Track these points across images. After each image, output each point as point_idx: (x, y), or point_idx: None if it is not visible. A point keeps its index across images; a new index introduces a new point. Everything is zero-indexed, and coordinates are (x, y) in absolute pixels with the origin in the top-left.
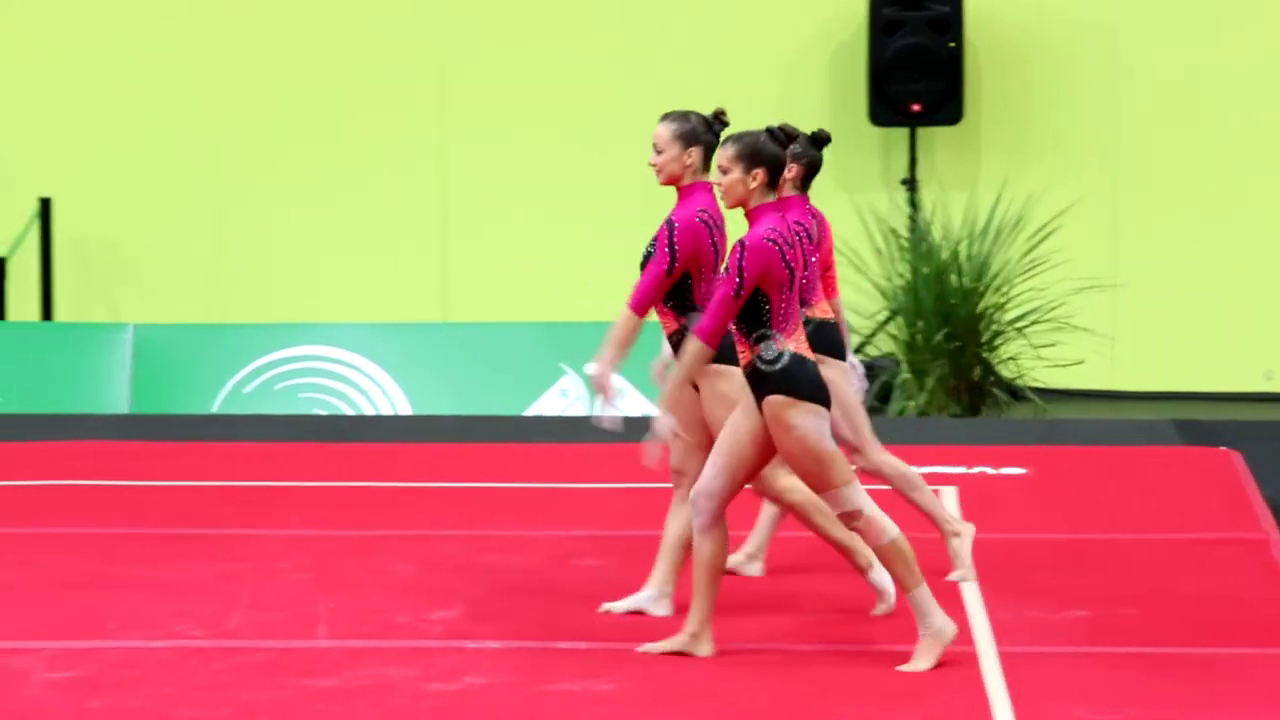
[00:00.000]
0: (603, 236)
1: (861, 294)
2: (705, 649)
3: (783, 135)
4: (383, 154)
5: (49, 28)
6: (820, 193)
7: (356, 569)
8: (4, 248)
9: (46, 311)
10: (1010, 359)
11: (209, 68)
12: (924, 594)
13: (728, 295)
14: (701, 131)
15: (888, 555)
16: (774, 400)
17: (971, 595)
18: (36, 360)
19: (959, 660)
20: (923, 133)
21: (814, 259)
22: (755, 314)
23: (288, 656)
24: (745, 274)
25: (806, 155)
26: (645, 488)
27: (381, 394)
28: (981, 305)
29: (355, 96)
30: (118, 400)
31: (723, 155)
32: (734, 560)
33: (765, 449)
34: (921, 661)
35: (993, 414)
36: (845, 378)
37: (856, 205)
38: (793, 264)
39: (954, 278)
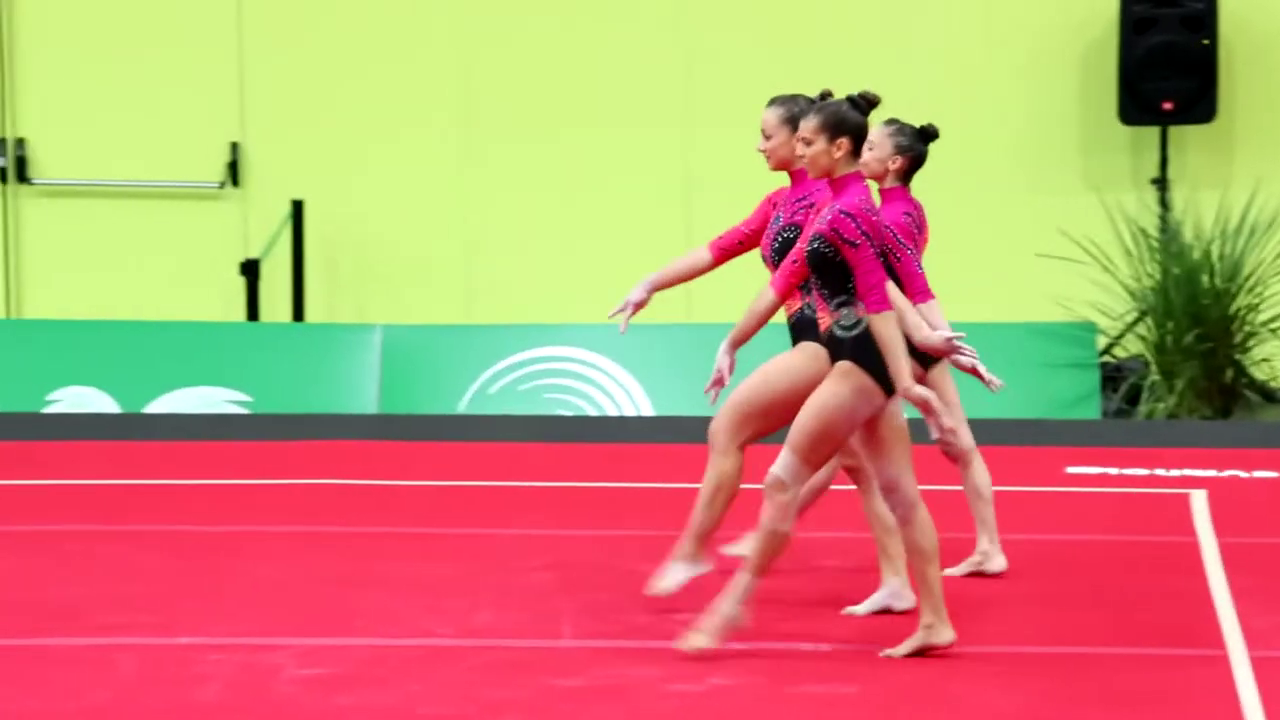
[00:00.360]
0: None
1: (1110, 295)
2: (945, 635)
3: (864, 103)
4: (628, 155)
5: (299, 35)
6: (1068, 192)
7: (600, 568)
8: (257, 250)
9: (298, 313)
10: (1264, 361)
11: (458, 71)
12: (747, 583)
13: (871, 259)
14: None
15: (766, 540)
16: (842, 364)
17: (1223, 599)
18: (288, 361)
19: (1209, 664)
20: (1174, 131)
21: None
22: (840, 281)
23: (532, 655)
24: (871, 236)
25: (914, 148)
26: None
27: (625, 394)
28: (1234, 306)
29: (600, 99)
30: (366, 400)
31: (805, 127)
32: (971, 561)
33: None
34: (700, 638)
35: (1245, 417)
36: None
37: (1105, 205)
38: (883, 236)
39: (1205, 278)
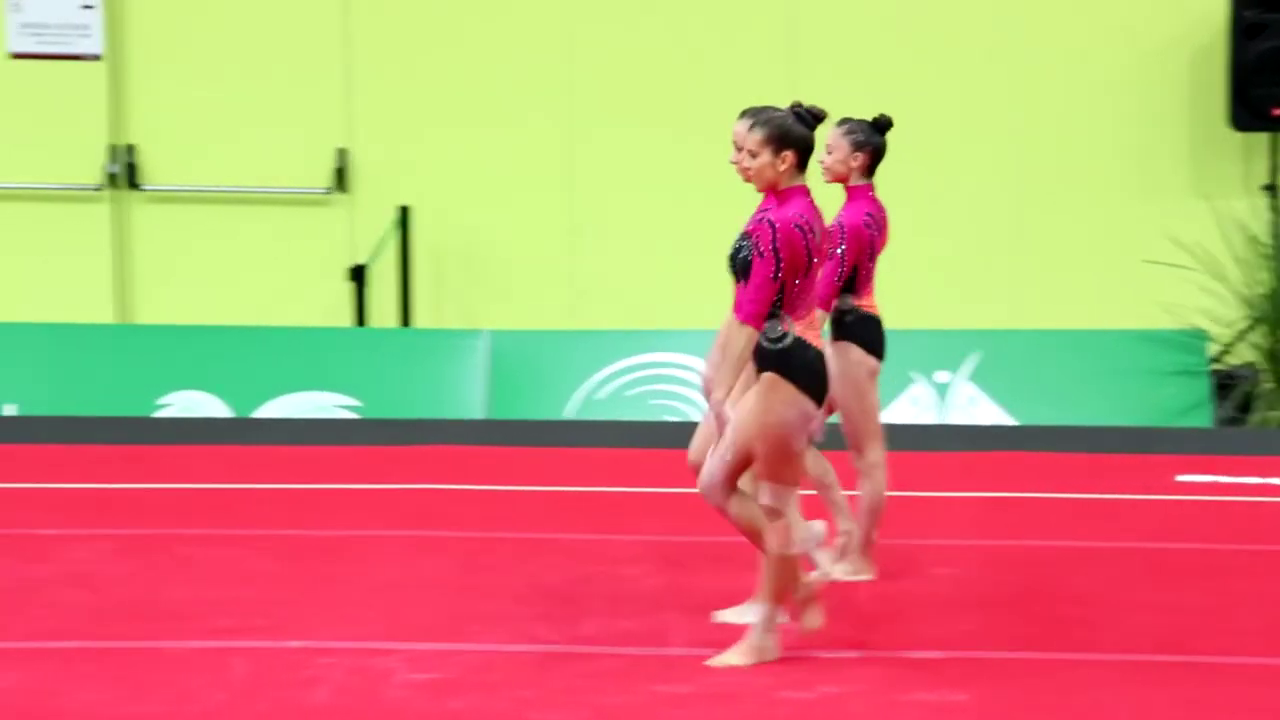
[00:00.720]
0: (949, 242)
1: (1221, 302)
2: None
3: (810, 117)
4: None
5: (406, 41)
6: (1178, 198)
7: (708, 574)
8: (364, 255)
9: (405, 318)
10: None
11: (563, 75)
12: (774, 614)
13: (767, 277)
14: None
15: (778, 566)
16: (766, 376)
17: None
18: (396, 366)
19: None
20: None
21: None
22: None
23: (642, 662)
24: (780, 255)
25: (871, 143)
26: (997, 496)
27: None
28: None
29: (706, 101)
30: (474, 405)
31: (751, 139)
32: (843, 546)
33: None
34: (734, 656)
35: None
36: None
37: (1215, 211)
38: (813, 251)
39: None
